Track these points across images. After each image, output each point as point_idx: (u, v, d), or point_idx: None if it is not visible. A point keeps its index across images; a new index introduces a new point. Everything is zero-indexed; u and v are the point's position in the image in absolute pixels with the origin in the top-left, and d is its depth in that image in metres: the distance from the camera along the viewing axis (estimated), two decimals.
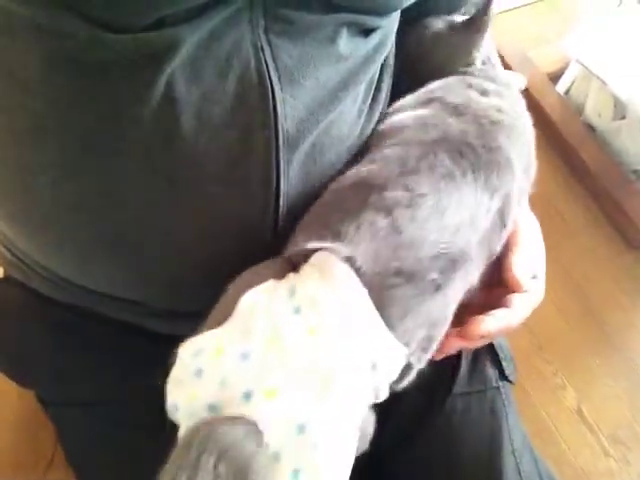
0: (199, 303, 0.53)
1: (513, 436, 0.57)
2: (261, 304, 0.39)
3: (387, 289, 0.40)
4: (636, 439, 1.01)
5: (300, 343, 0.37)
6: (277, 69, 0.43)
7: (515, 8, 1.40)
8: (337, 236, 0.41)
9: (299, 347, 0.37)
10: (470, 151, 0.46)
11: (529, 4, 1.42)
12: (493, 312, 0.46)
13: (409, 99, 0.54)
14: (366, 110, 0.52)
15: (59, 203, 0.45)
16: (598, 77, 1.17)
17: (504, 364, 0.61)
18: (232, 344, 0.38)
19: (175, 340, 0.54)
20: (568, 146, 1.24)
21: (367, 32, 0.50)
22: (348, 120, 0.50)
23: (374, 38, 0.51)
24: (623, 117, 1.19)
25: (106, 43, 0.38)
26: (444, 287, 0.41)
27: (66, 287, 0.53)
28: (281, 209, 0.46)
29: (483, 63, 0.57)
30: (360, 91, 0.50)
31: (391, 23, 0.53)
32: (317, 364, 0.37)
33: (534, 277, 0.50)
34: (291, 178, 0.46)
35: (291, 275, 0.41)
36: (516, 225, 0.50)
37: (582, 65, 1.20)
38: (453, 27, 0.58)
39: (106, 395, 0.56)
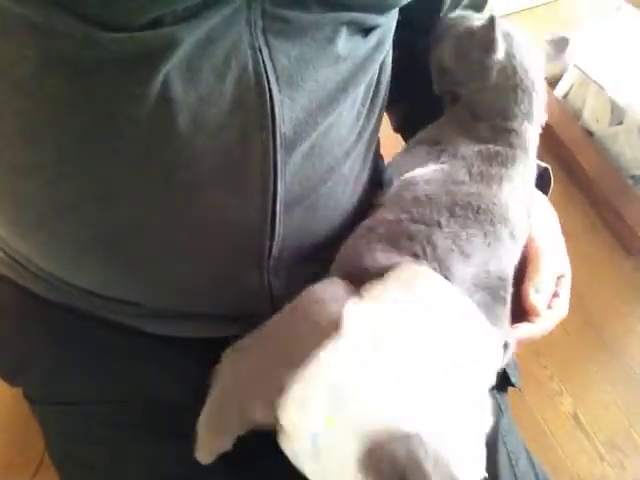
0: (195, 305, 0.53)
1: (507, 439, 0.56)
2: (371, 314, 0.40)
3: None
4: (632, 445, 1.00)
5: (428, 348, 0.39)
6: (275, 70, 0.42)
7: (514, 12, 1.40)
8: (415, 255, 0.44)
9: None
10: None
11: (528, 9, 1.42)
12: (518, 325, 0.48)
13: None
14: (365, 112, 0.52)
15: (54, 204, 0.44)
16: (596, 82, 1.17)
17: (509, 371, 0.60)
18: (361, 357, 0.38)
19: (170, 340, 0.54)
20: (566, 151, 1.24)
21: (366, 31, 0.49)
22: (347, 122, 0.49)
23: (373, 37, 0.50)
24: (620, 122, 1.19)
25: (102, 42, 0.37)
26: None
27: (60, 287, 0.53)
28: (278, 211, 0.46)
29: None
30: (359, 93, 0.50)
31: (390, 21, 0.52)
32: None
33: (558, 286, 0.51)
34: (288, 181, 0.45)
35: (376, 286, 0.42)
36: (531, 239, 0.51)
37: (580, 70, 1.20)
38: (470, 32, 0.56)
39: (96, 394, 0.55)
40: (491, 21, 0.53)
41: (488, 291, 0.46)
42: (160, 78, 0.39)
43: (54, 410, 0.57)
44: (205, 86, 0.40)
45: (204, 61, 0.40)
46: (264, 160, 0.43)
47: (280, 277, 0.50)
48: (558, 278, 0.52)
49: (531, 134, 0.56)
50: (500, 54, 0.54)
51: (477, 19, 0.57)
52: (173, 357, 0.55)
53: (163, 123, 0.40)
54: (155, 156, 0.41)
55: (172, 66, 0.39)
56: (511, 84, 0.54)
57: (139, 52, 0.38)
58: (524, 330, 0.48)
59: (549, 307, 0.50)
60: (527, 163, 0.54)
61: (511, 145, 0.53)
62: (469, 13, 0.59)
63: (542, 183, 0.60)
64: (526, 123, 0.55)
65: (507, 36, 0.55)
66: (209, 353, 0.55)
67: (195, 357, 0.55)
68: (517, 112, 0.54)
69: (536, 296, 0.49)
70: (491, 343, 0.43)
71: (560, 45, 0.68)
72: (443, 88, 0.59)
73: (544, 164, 0.59)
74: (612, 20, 1.19)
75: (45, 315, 0.56)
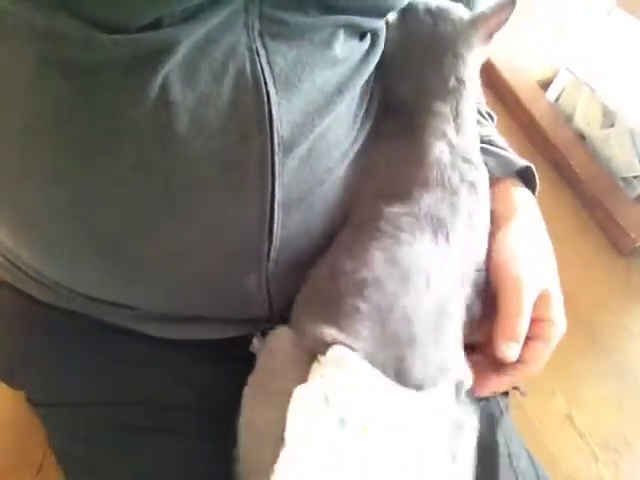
0: (193, 307, 0.53)
1: (508, 440, 0.57)
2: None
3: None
4: (626, 445, 1.01)
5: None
6: (272, 72, 0.43)
7: None
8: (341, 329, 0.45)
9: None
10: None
11: None
12: (507, 371, 0.48)
13: None
14: (361, 115, 0.52)
15: (53, 206, 0.44)
16: (587, 85, 1.18)
17: None
18: None
19: (169, 342, 0.55)
20: (558, 153, 1.25)
21: (362, 35, 0.50)
22: (344, 125, 0.50)
23: (367, 41, 0.51)
24: (612, 125, 1.20)
25: (101, 43, 0.38)
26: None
27: (58, 290, 0.53)
28: (276, 213, 0.46)
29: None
30: (355, 95, 0.51)
31: (384, 24, 0.53)
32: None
33: (543, 307, 0.49)
34: (286, 182, 0.45)
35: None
36: (500, 265, 0.50)
37: (572, 73, 1.21)
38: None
39: (97, 396, 0.55)
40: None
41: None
42: (159, 80, 0.39)
43: (56, 412, 0.57)
44: (203, 88, 0.41)
45: (202, 63, 0.40)
46: (262, 162, 0.44)
47: (278, 280, 0.51)
48: (542, 297, 0.49)
49: None
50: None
51: None
52: (172, 358, 0.55)
53: (162, 125, 0.40)
54: (154, 158, 0.41)
55: (171, 68, 0.39)
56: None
57: (139, 54, 0.38)
58: (515, 373, 0.48)
59: (532, 337, 0.48)
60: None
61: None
62: None
63: (527, 181, 0.60)
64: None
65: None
66: (208, 354, 0.56)
67: (194, 358, 0.55)
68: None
69: (509, 349, 0.47)
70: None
71: None
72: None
73: (526, 162, 0.59)
74: (603, 24, 1.20)
75: (45, 318, 0.56)
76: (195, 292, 0.50)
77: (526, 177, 0.60)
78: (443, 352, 0.46)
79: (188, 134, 0.41)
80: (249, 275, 0.49)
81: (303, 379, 0.42)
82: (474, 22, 0.55)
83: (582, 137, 1.27)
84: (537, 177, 0.59)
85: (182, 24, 0.39)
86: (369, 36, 0.51)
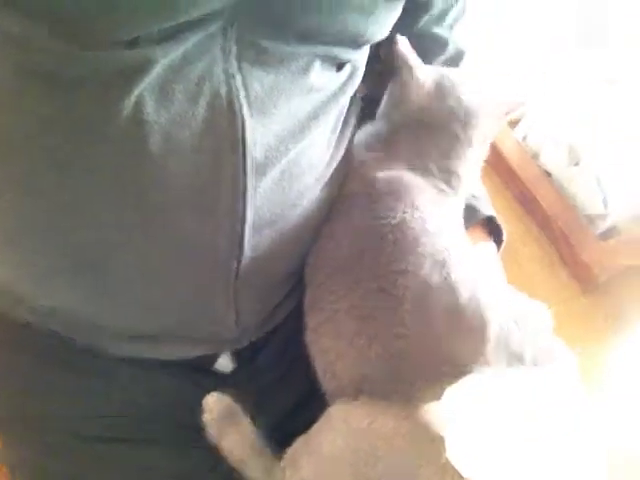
0: (163, 327, 0.52)
1: None
2: None
3: None
4: None
5: None
6: (248, 96, 0.43)
7: None
8: None
9: None
10: None
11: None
12: None
13: None
14: (335, 140, 0.53)
15: (26, 220, 0.44)
16: (553, 124, 1.21)
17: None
18: None
19: (132, 362, 0.54)
20: (526, 190, 1.27)
21: (339, 65, 0.51)
22: (318, 149, 0.51)
23: (345, 71, 0.52)
24: (577, 164, 1.23)
25: (78, 59, 0.38)
26: None
27: (23, 304, 0.52)
28: (246, 234, 0.46)
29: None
30: (330, 121, 0.51)
31: (362, 56, 0.54)
32: None
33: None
34: (258, 205, 0.46)
35: None
36: None
37: (538, 113, 1.24)
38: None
39: (63, 410, 0.55)
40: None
41: None
42: (133, 98, 0.39)
43: (17, 426, 0.55)
44: (178, 108, 0.41)
45: (177, 83, 0.41)
46: (234, 184, 0.44)
47: (247, 301, 0.51)
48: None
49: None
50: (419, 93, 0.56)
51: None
52: (139, 373, 0.55)
53: (135, 143, 0.40)
54: (127, 176, 0.41)
55: (145, 86, 0.39)
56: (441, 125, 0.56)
57: (115, 71, 0.38)
58: None
59: None
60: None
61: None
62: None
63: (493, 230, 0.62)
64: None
65: (443, 80, 0.57)
66: (174, 369, 0.55)
67: (160, 373, 0.54)
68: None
69: None
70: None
71: None
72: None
73: (491, 212, 0.60)
74: (562, 61, 1.24)
75: (4, 332, 0.55)
76: (164, 311, 0.50)
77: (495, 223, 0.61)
78: None
79: (161, 153, 0.41)
80: (218, 295, 0.49)
81: None
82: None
83: (548, 174, 1.30)
84: (503, 227, 0.61)
85: (159, 44, 0.39)
86: (348, 67, 0.52)
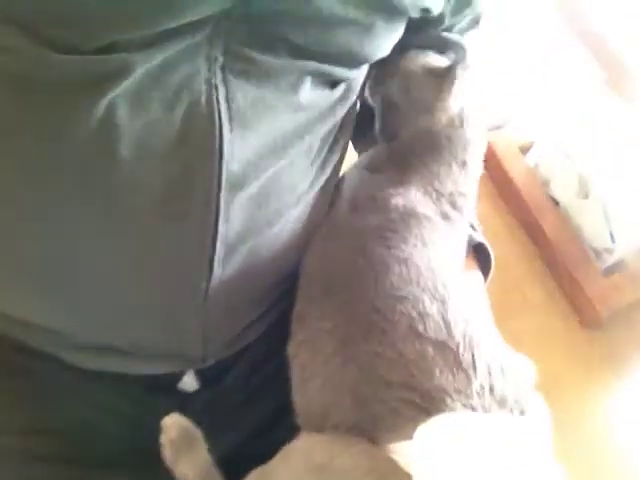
0: (126, 341, 0.51)
1: None
2: None
3: None
4: None
5: None
6: (229, 109, 0.42)
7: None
8: None
9: None
10: None
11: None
12: None
13: None
14: (320, 161, 0.51)
15: None
16: (565, 154, 1.19)
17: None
18: None
19: (91, 373, 0.52)
20: (532, 218, 1.25)
21: (333, 84, 0.49)
22: (300, 168, 0.49)
23: (338, 90, 0.50)
24: (586, 195, 1.21)
25: (51, 62, 0.36)
26: None
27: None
28: (217, 250, 0.44)
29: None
30: (316, 141, 0.49)
31: (358, 75, 0.52)
32: None
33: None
34: (231, 221, 0.44)
35: None
36: None
37: (551, 140, 1.22)
38: (427, 70, 0.58)
39: (15, 425, 0.52)
40: (453, 67, 0.55)
41: None
42: (106, 102, 0.38)
43: None
44: (153, 114, 0.39)
45: (155, 90, 0.39)
46: (207, 196, 0.42)
47: (216, 320, 0.49)
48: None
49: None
50: (455, 101, 0.55)
51: (436, 59, 0.58)
52: (95, 389, 0.53)
53: (105, 147, 0.39)
54: (96, 180, 0.40)
55: (120, 92, 0.38)
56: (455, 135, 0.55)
57: (89, 75, 0.37)
58: None
59: None
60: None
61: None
62: (426, 52, 0.59)
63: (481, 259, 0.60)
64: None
65: (464, 110, 0.57)
66: (133, 386, 0.53)
67: (118, 389, 0.53)
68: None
69: None
70: None
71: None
72: (385, 127, 0.60)
73: (480, 239, 0.59)
74: (589, 99, 1.22)
75: None
76: (128, 324, 0.48)
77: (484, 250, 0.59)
78: None
79: (131, 159, 0.39)
80: (184, 312, 0.47)
81: None
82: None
83: (557, 203, 1.28)
84: (492, 256, 0.59)
85: (139, 50, 0.37)
86: (342, 86, 0.50)
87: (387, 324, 0.47)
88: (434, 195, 0.54)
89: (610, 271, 1.22)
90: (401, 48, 0.55)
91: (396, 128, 0.58)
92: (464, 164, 0.56)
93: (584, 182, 1.19)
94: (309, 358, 0.49)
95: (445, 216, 0.54)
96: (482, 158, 0.59)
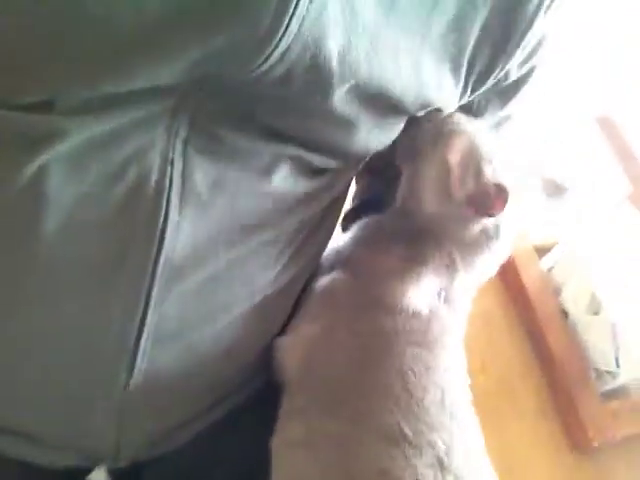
0: (29, 426, 0.44)
1: None
2: None
3: None
4: None
5: None
6: (182, 188, 0.38)
7: None
8: None
9: None
10: None
11: None
12: None
13: None
14: (289, 254, 0.46)
15: None
16: (582, 266, 1.15)
17: None
18: None
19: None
20: (537, 325, 1.20)
21: (316, 171, 0.45)
22: (260, 261, 0.44)
23: (321, 180, 0.46)
24: (596, 313, 1.16)
25: None
26: None
27: None
28: (143, 344, 0.40)
29: None
30: (286, 232, 0.45)
31: (349, 167, 0.48)
32: None
33: None
34: (163, 313, 0.39)
35: None
36: None
37: (568, 250, 1.18)
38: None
39: None
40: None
41: None
42: (34, 168, 0.34)
43: None
44: (88, 188, 0.36)
45: (96, 160, 0.35)
46: (136, 284, 0.38)
47: (134, 417, 0.43)
48: None
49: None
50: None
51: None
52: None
53: (29, 217, 0.35)
54: (12, 251, 0.36)
55: (52, 158, 0.34)
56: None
57: (16, 134, 0.34)
58: None
59: None
60: None
61: None
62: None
63: None
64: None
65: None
66: (36, 476, 0.47)
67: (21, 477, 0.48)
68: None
69: None
70: None
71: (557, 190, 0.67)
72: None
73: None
74: (610, 213, 1.18)
75: None
76: (34, 407, 0.43)
77: None
78: None
79: (57, 234, 0.35)
80: (96, 407, 0.42)
81: None
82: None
83: (565, 314, 1.23)
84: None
85: (79, 114, 0.34)
86: (326, 175, 0.46)
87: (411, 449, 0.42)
88: (451, 273, 0.51)
89: (609, 396, 1.16)
90: None
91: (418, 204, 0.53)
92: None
93: (596, 299, 1.15)
94: (301, 462, 0.44)
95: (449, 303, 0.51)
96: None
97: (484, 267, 0.55)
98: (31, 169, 0.34)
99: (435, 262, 0.50)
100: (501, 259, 0.56)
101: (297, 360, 0.47)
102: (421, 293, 0.48)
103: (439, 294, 0.50)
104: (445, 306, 0.50)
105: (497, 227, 0.53)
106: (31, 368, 0.41)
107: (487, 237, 0.53)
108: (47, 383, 0.41)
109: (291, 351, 0.48)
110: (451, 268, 0.51)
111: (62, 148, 0.34)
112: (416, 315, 0.47)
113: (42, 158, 0.34)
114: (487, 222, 0.52)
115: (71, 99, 0.34)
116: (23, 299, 0.38)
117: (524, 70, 0.53)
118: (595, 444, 1.09)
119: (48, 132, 0.34)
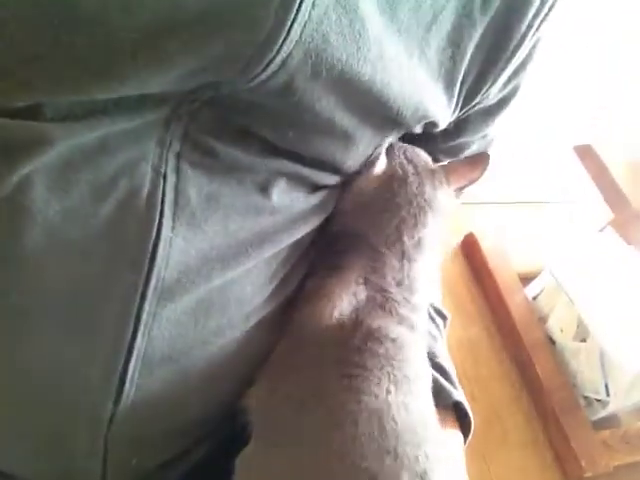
0: (6, 463, 0.41)
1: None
2: None
3: None
4: None
5: None
6: (176, 204, 0.36)
7: (501, 203, 1.41)
8: None
9: None
10: None
11: (515, 202, 1.43)
12: None
13: None
14: (284, 274, 0.45)
15: None
16: (567, 294, 1.14)
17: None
18: None
19: None
20: (525, 354, 1.18)
21: (313, 188, 0.44)
22: (256, 281, 0.42)
23: (316, 197, 0.45)
24: (584, 340, 1.15)
25: None
26: None
27: None
28: (131, 369, 0.37)
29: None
30: (282, 251, 0.43)
31: (340, 185, 0.47)
32: None
33: None
34: (154, 336, 0.37)
35: None
36: None
37: (554, 277, 1.18)
38: None
39: None
40: None
41: None
42: (16, 178, 0.32)
43: None
44: (76, 201, 0.33)
45: (83, 172, 0.33)
46: (125, 306, 0.36)
47: (121, 451, 0.40)
48: None
49: None
50: None
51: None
52: None
53: (10, 233, 0.33)
54: None
55: (36, 168, 0.32)
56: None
57: None
58: None
59: None
60: None
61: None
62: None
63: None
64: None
65: None
66: None
67: None
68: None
69: None
70: None
71: None
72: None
73: (459, 397, 0.52)
74: (594, 240, 1.19)
75: None
76: (16, 446, 0.40)
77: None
78: None
79: (40, 251, 0.33)
80: (80, 440, 0.39)
81: None
82: (441, 171, 0.51)
83: (552, 342, 1.22)
84: (471, 416, 0.52)
85: (67, 121, 0.32)
86: (322, 193, 0.45)
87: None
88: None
89: (601, 425, 1.14)
90: None
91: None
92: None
93: (583, 325, 1.14)
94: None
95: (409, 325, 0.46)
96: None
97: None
98: (12, 180, 0.32)
99: (358, 263, 0.47)
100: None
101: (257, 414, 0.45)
102: (345, 300, 0.45)
103: (373, 297, 0.46)
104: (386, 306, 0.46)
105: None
106: (12, 402, 0.38)
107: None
108: (29, 419, 0.38)
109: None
110: (378, 262, 0.47)
111: (47, 158, 0.32)
112: (342, 324, 0.44)
113: (25, 168, 0.32)
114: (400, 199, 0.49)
115: (59, 105, 0.32)
116: (6, 320, 0.35)
117: (508, 89, 0.53)
118: (588, 474, 1.07)
119: (32, 140, 0.32)
